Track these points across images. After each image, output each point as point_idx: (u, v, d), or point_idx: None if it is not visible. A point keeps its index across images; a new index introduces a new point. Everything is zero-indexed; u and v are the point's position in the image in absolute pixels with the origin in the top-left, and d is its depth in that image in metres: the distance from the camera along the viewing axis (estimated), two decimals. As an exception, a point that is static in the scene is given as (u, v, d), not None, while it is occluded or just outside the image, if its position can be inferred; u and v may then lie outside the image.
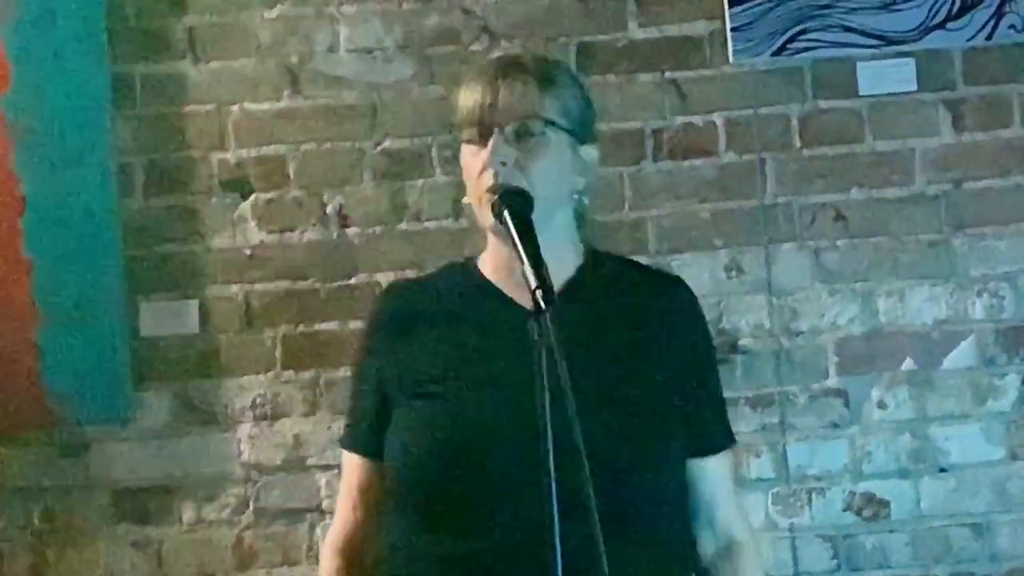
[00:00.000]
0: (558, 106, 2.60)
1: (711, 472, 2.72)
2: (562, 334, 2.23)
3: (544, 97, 2.60)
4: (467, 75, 2.69)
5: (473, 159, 2.58)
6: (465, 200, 2.69)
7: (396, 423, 2.66)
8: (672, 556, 2.63)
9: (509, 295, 2.62)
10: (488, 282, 2.68)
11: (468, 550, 2.55)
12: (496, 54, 4.14)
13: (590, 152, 2.65)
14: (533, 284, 2.26)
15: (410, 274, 3.72)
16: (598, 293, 2.42)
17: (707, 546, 2.73)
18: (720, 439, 2.76)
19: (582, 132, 2.63)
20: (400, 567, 2.65)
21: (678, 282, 2.80)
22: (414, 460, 2.59)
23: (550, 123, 2.58)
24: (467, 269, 2.77)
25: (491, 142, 2.54)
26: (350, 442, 2.78)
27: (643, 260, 3.96)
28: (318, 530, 4.13)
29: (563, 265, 2.55)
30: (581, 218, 2.65)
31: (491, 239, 2.68)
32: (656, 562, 2.53)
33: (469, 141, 2.59)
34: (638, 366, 2.58)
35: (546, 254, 2.39)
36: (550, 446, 2.19)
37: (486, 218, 2.57)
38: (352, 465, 2.78)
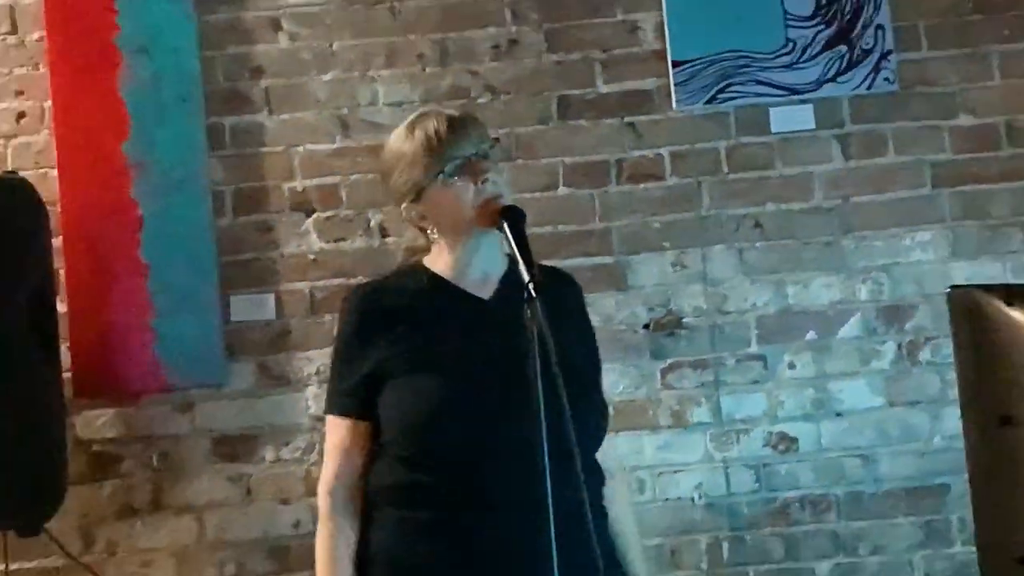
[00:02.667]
0: (487, 133, 2.87)
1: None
2: (513, 316, 2.49)
3: (483, 130, 2.86)
4: (412, 131, 2.83)
5: (463, 190, 2.76)
6: (433, 235, 2.86)
7: (395, 393, 2.81)
8: (599, 472, 2.87)
9: (464, 289, 2.84)
10: (444, 280, 2.86)
11: (455, 482, 2.74)
12: (495, 107, 4.44)
13: None
14: (527, 279, 2.51)
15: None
16: (519, 287, 2.54)
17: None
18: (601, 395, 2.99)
19: None
20: (399, 498, 2.83)
21: (569, 274, 3.05)
22: (415, 419, 2.77)
23: (493, 144, 2.85)
24: (420, 269, 2.91)
25: (486, 169, 2.77)
26: (341, 407, 2.89)
27: (607, 260, 4.41)
28: (367, 466, 4.33)
29: (503, 262, 2.81)
30: None
31: (454, 247, 2.84)
32: (598, 481, 2.80)
33: (452, 175, 2.76)
34: (573, 340, 2.78)
35: (495, 254, 2.77)
36: (542, 404, 2.41)
37: (473, 232, 2.78)
38: (338, 426, 2.89)
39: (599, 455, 2.89)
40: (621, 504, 3.02)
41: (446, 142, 2.80)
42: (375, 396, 2.84)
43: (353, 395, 2.88)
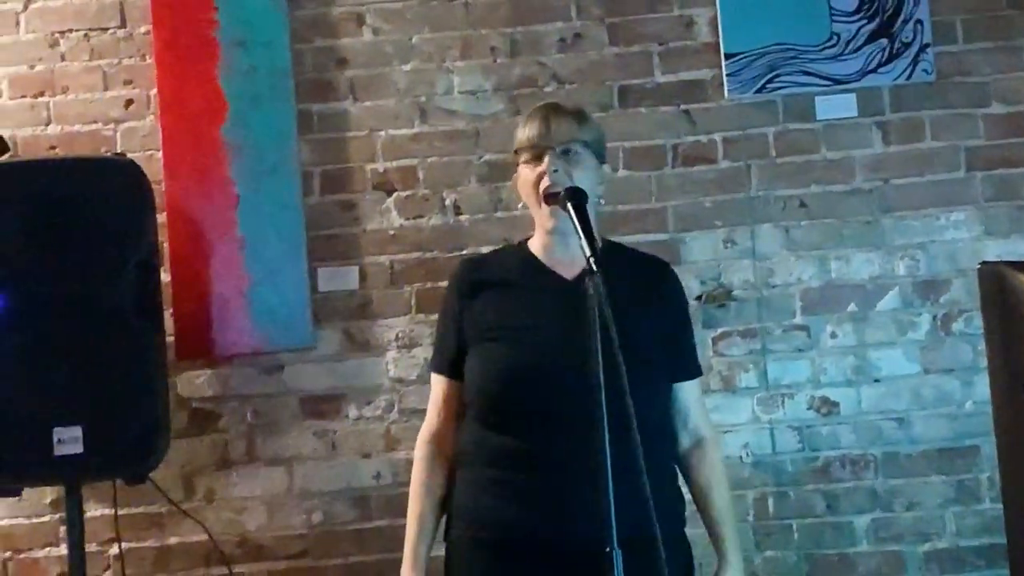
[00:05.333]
0: (587, 134, 2.93)
1: (688, 391, 3.06)
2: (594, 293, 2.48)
3: (579, 128, 2.93)
4: (523, 117, 3.00)
5: (530, 172, 2.89)
6: (521, 205, 3.01)
7: (473, 358, 2.93)
8: (664, 444, 2.98)
9: (551, 268, 2.94)
10: (535, 258, 2.97)
11: (520, 444, 2.83)
12: (561, 95, 4.38)
13: (605, 169, 3.01)
14: (588, 253, 2.51)
15: (502, 247, 3.63)
16: (613, 267, 2.55)
17: (683, 442, 3.06)
18: (695, 369, 3.10)
19: (600, 154, 2.98)
20: (473, 455, 2.95)
21: (665, 263, 3.13)
22: (485, 384, 2.90)
23: (584, 144, 2.91)
24: (521, 248, 3.02)
25: (547, 158, 2.85)
26: (437, 366, 3.08)
27: (663, 237, 4.39)
28: (441, 425, 4.35)
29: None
30: (596, 216, 2.86)
31: (538, 227, 2.95)
32: (655, 447, 2.73)
33: (526, 162, 2.90)
34: (643, 319, 2.87)
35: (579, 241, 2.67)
36: (600, 369, 2.44)
37: (544, 215, 2.89)
38: (437, 382, 3.06)
39: (698, 422, 3.06)
40: (709, 466, 3.08)
41: (528, 131, 2.94)
42: (463, 358, 2.98)
43: (446, 355, 3.05)
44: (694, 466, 3.06)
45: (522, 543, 2.82)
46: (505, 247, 3.14)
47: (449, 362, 3.03)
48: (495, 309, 2.94)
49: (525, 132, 2.93)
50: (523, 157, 2.92)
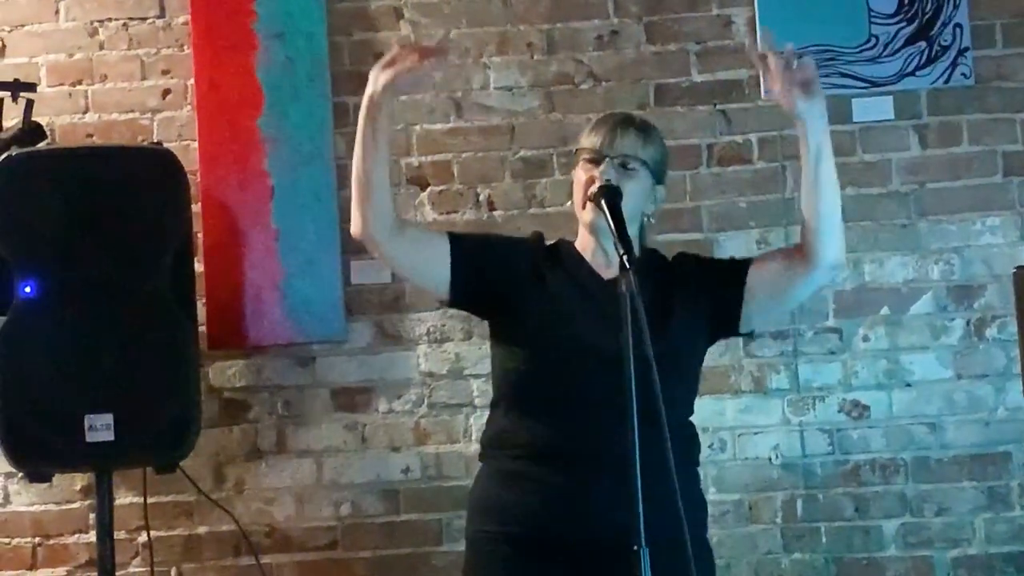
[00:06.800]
0: (649, 153, 2.94)
1: (758, 264, 2.97)
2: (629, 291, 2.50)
3: (642, 145, 2.94)
4: (594, 120, 3.05)
5: (585, 173, 2.92)
6: (569, 204, 3.07)
7: (500, 347, 2.96)
8: (689, 448, 2.92)
9: (592, 265, 2.97)
10: (579, 255, 3.00)
11: (548, 435, 2.83)
12: (597, 92, 4.47)
13: (661, 191, 3.01)
14: (621, 251, 2.55)
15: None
16: (645, 269, 2.65)
17: (800, 251, 2.93)
18: (743, 262, 3.01)
19: (659, 175, 2.98)
20: (498, 447, 2.94)
21: (678, 253, 3.08)
22: (509, 375, 2.93)
23: (643, 163, 2.92)
24: (569, 244, 3.03)
25: (603, 164, 2.89)
26: (454, 233, 2.99)
27: (698, 237, 4.38)
28: (472, 419, 4.37)
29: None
30: (644, 230, 2.98)
31: (581, 230, 2.99)
32: (680, 450, 2.57)
33: (586, 161, 2.92)
34: (673, 311, 2.87)
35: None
36: (631, 356, 2.45)
37: (585, 214, 2.92)
38: (439, 233, 2.99)
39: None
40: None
41: (593, 136, 2.95)
42: (470, 259, 2.94)
43: (469, 238, 3.05)
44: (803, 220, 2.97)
45: (547, 540, 2.82)
46: (559, 241, 3.08)
47: (461, 243, 2.96)
48: (540, 296, 2.93)
49: (590, 137, 2.96)
50: (584, 157, 2.94)
